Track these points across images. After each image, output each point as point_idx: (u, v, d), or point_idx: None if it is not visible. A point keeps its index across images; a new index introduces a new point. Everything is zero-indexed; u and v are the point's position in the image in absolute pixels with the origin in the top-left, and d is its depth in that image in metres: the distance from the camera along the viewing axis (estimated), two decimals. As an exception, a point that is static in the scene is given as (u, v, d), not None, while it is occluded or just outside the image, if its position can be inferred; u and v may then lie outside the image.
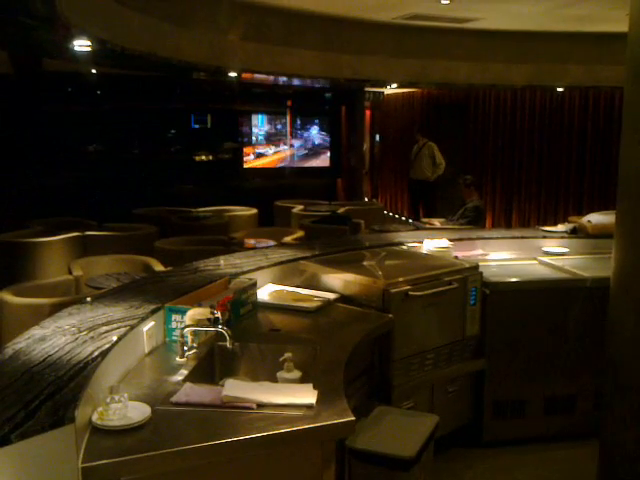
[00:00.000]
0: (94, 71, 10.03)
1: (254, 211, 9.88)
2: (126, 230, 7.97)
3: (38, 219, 8.32)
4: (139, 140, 13.92)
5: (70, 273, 6.04)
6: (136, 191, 11.13)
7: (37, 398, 2.05)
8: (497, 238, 5.47)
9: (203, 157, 14.17)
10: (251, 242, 6.96)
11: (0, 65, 9.07)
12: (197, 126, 14.55)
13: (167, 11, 4.55)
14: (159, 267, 5.96)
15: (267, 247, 5.64)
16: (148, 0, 4.36)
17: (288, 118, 14.52)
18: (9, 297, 4.87)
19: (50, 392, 2.10)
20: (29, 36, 4.73)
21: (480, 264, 4.35)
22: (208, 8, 4.81)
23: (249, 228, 9.22)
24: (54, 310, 4.68)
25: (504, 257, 5.13)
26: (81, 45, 4.88)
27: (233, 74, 5.98)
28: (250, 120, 14.47)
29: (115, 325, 2.75)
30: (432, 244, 4.83)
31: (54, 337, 2.60)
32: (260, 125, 14.91)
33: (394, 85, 8.70)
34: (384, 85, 8.83)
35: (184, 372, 2.71)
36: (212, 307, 3.06)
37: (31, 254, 7.16)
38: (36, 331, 2.68)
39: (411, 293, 3.75)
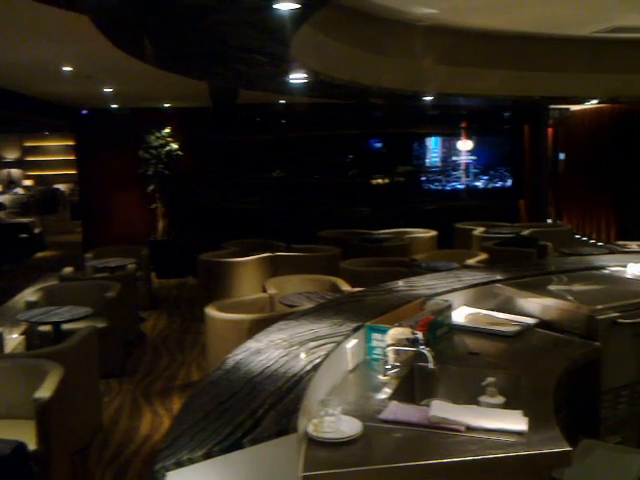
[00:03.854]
0: (282, 101, 10.63)
1: (434, 233, 9.82)
2: (312, 251, 8.29)
3: (232, 241, 8.93)
4: (319, 166, 14.45)
5: (264, 291, 6.41)
6: (319, 214, 11.55)
7: (261, 407, 2.19)
8: None
9: (379, 180, 14.36)
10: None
11: (198, 99, 9.92)
12: (373, 150, 14.80)
13: (368, 41, 4.71)
14: (346, 287, 6.13)
15: (454, 269, 5.56)
16: (352, 32, 4.55)
17: (463, 139, 14.29)
18: (214, 312, 5.27)
19: (272, 402, 2.23)
20: (251, 72, 5.14)
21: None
22: (404, 35, 4.92)
23: (429, 250, 9.19)
24: (253, 325, 5.02)
25: None
26: (297, 78, 5.23)
27: (429, 98, 6.04)
28: (424, 142, 14.45)
29: (322, 341, 2.87)
30: (639, 268, 4.48)
31: (268, 350, 2.77)
32: (434, 147, 14.84)
33: (594, 101, 8.24)
34: (581, 102, 8.39)
35: (388, 390, 2.75)
36: (412, 327, 3.08)
37: (227, 272, 7.70)
38: (252, 344, 2.87)
39: (620, 320, 3.50)
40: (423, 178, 14.27)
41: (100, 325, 5.52)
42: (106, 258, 8.04)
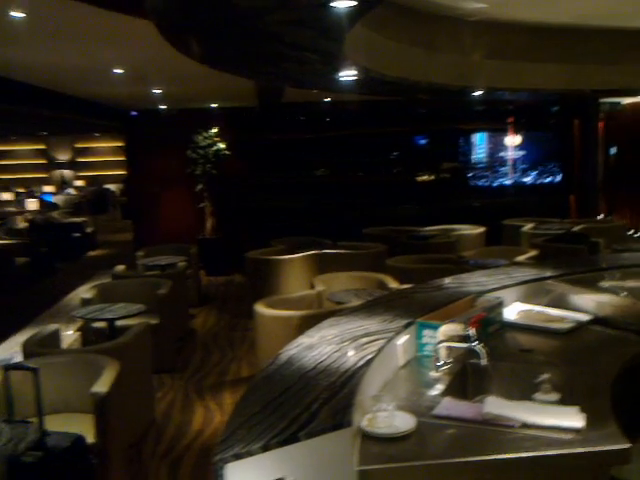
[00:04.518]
0: (327, 99, 10.66)
1: (481, 229, 9.72)
2: (358, 248, 8.30)
3: (279, 238, 9.01)
4: (363, 163, 14.43)
5: (312, 288, 6.45)
6: (364, 212, 11.55)
7: (315, 401, 2.22)
8: None
9: (425, 177, 14.27)
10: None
11: (244, 99, 10.03)
12: (418, 147, 14.71)
13: (417, 37, 4.71)
14: (393, 284, 6.11)
15: (503, 265, 5.50)
16: (402, 28, 4.55)
17: (510, 134, 14.07)
18: (263, 309, 5.33)
19: (326, 397, 2.26)
20: (302, 70, 5.20)
21: None
22: (453, 30, 4.90)
23: (477, 247, 9.10)
24: (301, 322, 5.06)
25: None
26: (347, 75, 5.28)
27: (478, 92, 5.98)
28: (470, 138, 14.29)
29: (373, 337, 2.89)
30: (696, 264, 4.36)
31: (320, 346, 2.80)
32: (480, 143, 14.66)
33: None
34: (635, 94, 8.15)
35: (440, 387, 2.75)
36: (464, 324, 3.07)
37: (275, 270, 7.78)
38: (304, 340, 2.91)
39: (678, 317, 3.42)
40: (470, 174, 14.11)
41: (153, 322, 5.65)
42: (156, 256, 8.21)
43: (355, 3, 3.23)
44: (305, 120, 13.37)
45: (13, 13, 4.11)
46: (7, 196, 17.87)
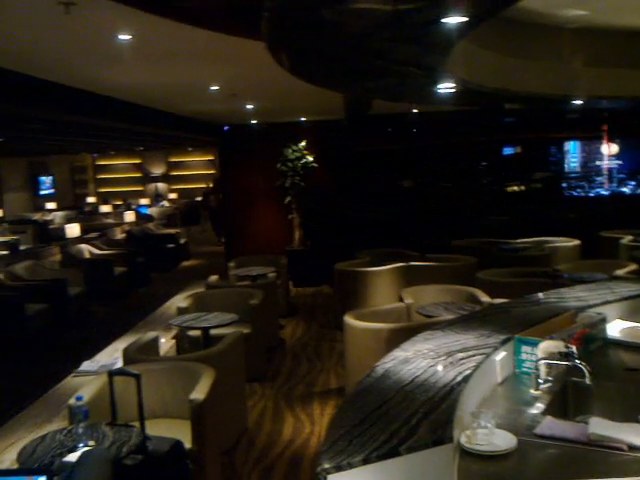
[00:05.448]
0: (414, 110, 10.62)
1: (576, 242, 9.36)
2: (447, 261, 8.18)
3: (365, 250, 9.02)
4: (451, 173, 14.26)
5: (400, 300, 6.41)
6: (452, 223, 11.39)
7: (414, 416, 2.21)
8: None
9: (515, 187, 13.93)
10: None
11: (332, 112, 10.13)
12: (507, 157, 14.39)
13: (515, 47, 4.63)
14: (485, 298, 5.99)
15: (604, 280, 5.28)
16: (500, 39, 4.49)
17: (605, 142, 13.52)
18: (353, 321, 5.35)
19: (425, 411, 2.24)
20: (402, 84, 5.24)
21: None
22: (552, 38, 4.79)
23: (572, 260, 8.77)
24: (391, 335, 5.04)
25: None
26: (446, 88, 5.27)
27: (577, 102, 5.81)
28: (562, 147, 13.86)
29: (470, 352, 2.84)
30: None
31: (416, 360, 2.79)
32: (573, 151, 14.19)
33: None
34: None
35: (540, 405, 2.67)
36: (564, 340, 2.97)
37: (362, 281, 7.79)
38: (399, 353, 2.90)
39: None
40: (564, 184, 13.66)
41: (245, 331, 5.77)
42: (247, 267, 8.39)
43: (466, 19, 3.22)
44: (392, 131, 13.36)
45: (121, 36, 4.35)
46: (106, 208, 18.79)
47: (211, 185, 17.15)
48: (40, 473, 2.52)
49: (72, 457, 3.03)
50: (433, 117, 11.18)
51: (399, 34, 3.42)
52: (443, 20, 3.22)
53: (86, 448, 3.14)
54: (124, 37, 4.37)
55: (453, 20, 3.25)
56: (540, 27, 4.59)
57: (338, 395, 5.71)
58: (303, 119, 11.80)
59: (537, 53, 4.74)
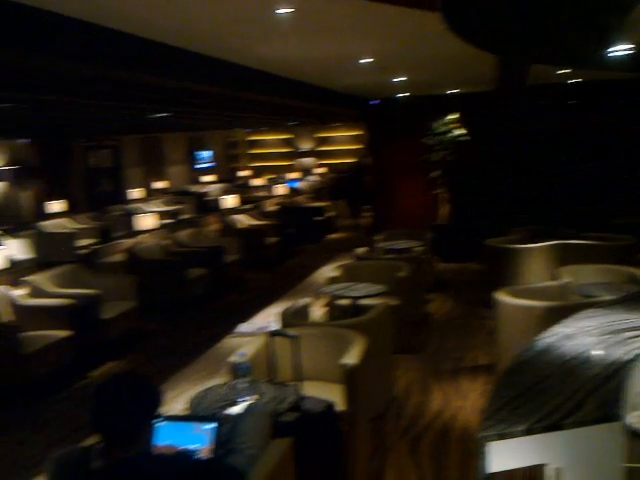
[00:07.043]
0: (574, 80, 10.02)
1: None
2: (605, 240, 7.72)
3: (517, 227, 8.73)
4: (613, 149, 13.32)
5: (553, 279, 6.17)
6: (611, 201, 10.70)
7: (579, 392, 2.16)
8: None
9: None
10: None
11: (483, 84, 9.81)
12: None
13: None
14: (648, 279, 5.61)
15: None
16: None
17: None
18: (505, 298, 5.24)
19: (591, 388, 2.18)
20: (577, 46, 4.96)
21: None
22: None
23: None
24: (546, 313, 4.88)
25: None
26: (621, 50, 4.95)
27: None
28: None
29: (638, 332, 2.70)
30: None
31: (579, 336, 2.70)
32: None
33: None
34: None
35: None
36: None
37: (513, 259, 7.57)
38: (560, 329, 2.82)
39: None
40: None
41: (393, 303, 5.83)
42: (394, 240, 8.44)
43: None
44: (548, 104, 12.68)
45: (280, 10, 4.48)
46: (257, 182, 19.58)
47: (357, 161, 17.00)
48: (209, 421, 2.74)
49: (235, 409, 3.26)
50: (597, 88, 10.51)
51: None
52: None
53: (248, 402, 3.36)
54: (284, 11, 4.50)
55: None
56: None
57: (487, 372, 5.63)
58: (452, 91, 11.55)
59: None
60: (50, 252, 9.88)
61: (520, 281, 7.19)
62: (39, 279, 6.76)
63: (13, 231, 10.99)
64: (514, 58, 6.11)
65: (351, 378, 3.87)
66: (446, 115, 10.80)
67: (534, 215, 9.90)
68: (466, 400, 5.10)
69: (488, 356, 6.05)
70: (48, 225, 11.65)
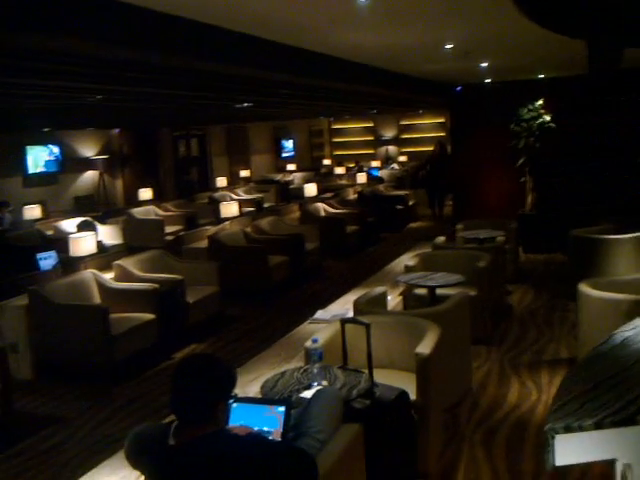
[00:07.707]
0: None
1: None
2: None
3: (606, 217, 8.38)
4: None
5: (644, 272, 5.90)
6: None
7: (655, 387, 2.06)
8: None
9: None
10: None
11: (574, 68, 9.41)
12: None
13: None
14: None
15: None
16: None
17: None
18: (588, 289, 5.06)
19: (669, 384, 2.08)
20: None
21: None
22: None
23: None
24: (631, 306, 4.68)
25: None
26: None
27: None
28: None
29: None
30: None
31: (661, 331, 2.58)
32: None
33: None
34: None
35: None
36: None
37: (602, 250, 7.26)
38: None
39: None
40: None
41: (471, 293, 5.74)
42: (475, 230, 8.27)
43: None
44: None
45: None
46: (340, 170, 19.62)
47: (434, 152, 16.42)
48: (281, 404, 2.81)
49: (307, 394, 3.31)
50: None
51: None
52: None
53: (320, 387, 3.42)
54: (364, -1, 4.49)
55: None
56: None
57: (569, 366, 5.46)
58: (540, 76, 11.16)
59: None
60: (139, 238, 10.33)
61: (607, 273, 6.90)
62: (127, 263, 7.08)
63: (104, 217, 11.56)
64: (603, 44, 5.83)
65: (424, 367, 3.85)
66: (535, 100, 10.44)
67: (622, 205, 9.47)
68: (545, 394, 4.96)
69: (570, 349, 5.86)
70: (138, 212, 12.15)
